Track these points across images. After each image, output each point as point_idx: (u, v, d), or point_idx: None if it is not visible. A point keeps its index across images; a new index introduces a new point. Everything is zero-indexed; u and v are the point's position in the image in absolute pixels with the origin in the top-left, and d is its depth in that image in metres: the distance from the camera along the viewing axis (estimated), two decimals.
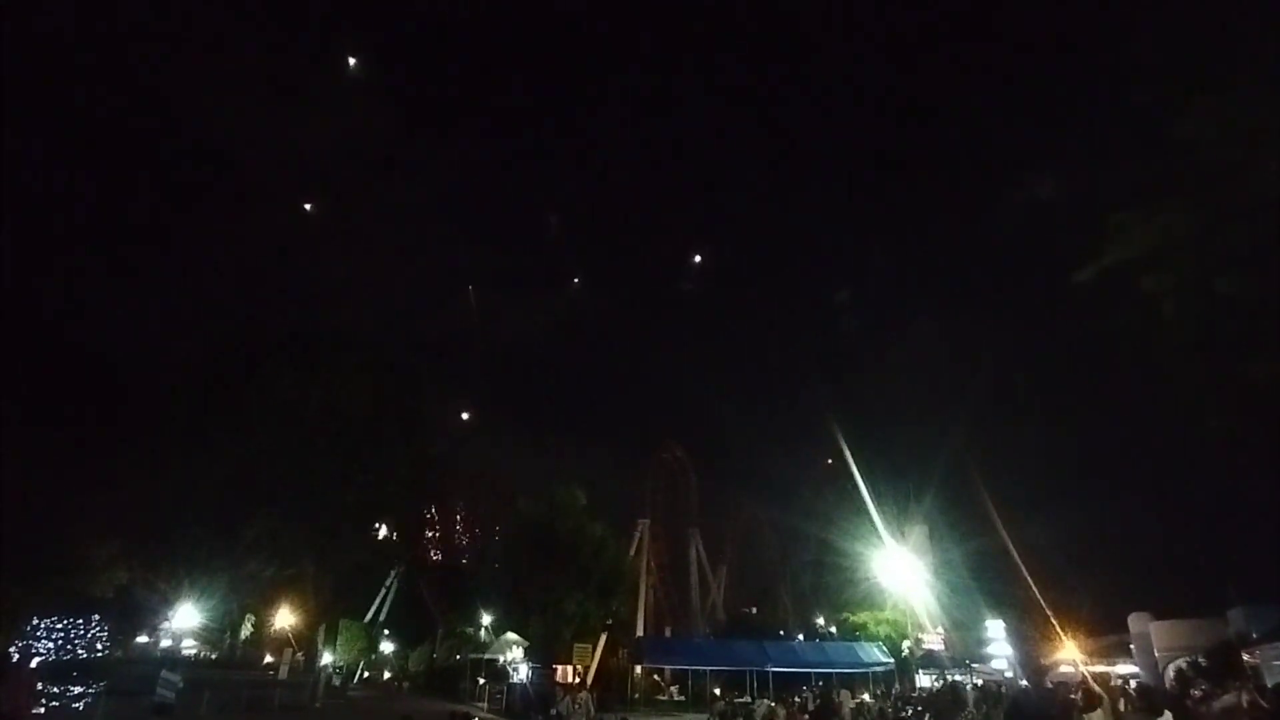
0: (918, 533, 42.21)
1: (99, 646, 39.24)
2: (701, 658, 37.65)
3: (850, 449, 37.02)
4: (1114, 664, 21.82)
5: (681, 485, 63.19)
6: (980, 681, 25.84)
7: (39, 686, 18.40)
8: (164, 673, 17.66)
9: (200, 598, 34.24)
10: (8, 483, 29.21)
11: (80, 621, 36.80)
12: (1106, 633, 24.32)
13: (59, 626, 38.85)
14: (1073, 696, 9.16)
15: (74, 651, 38.35)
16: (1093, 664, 18.94)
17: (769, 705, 23.05)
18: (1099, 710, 9.80)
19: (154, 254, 67.68)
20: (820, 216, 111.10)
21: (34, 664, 26.24)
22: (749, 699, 27.94)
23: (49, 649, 37.59)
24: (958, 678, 30.20)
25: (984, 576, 36.75)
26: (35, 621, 36.83)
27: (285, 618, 33.53)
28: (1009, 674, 26.93)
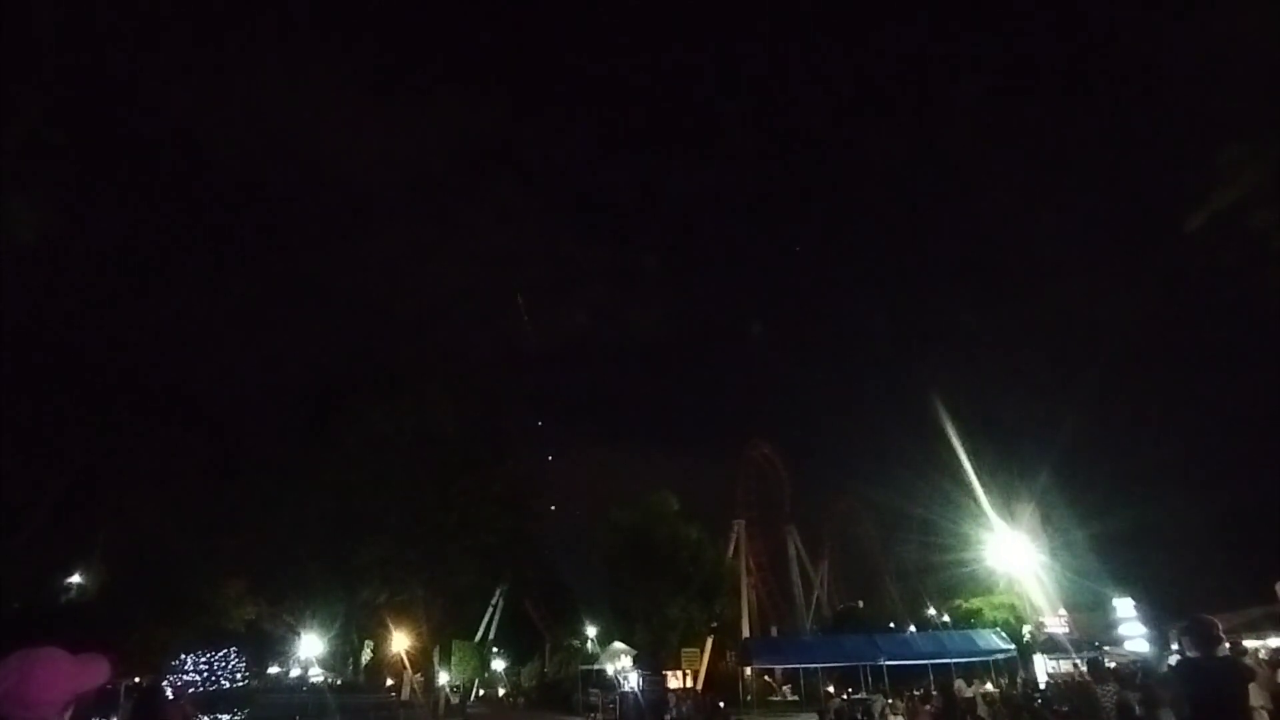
0: (1029, 513, 40.07)
1: (239, 677, 41.88)
2: (811, 655, 36.86)
3: (952, 427, 35.50)
4: (1264, 637, 20.15)
5: (773, 483, 62.30)
6: (1113, 665, 24.25)
7: (200, 717, 19.78)
8: None
9: (322, 628, 36.24)
10: (150, 535, 31.79)
11: (220, 655, 39.34)
12: (1250, 604, 22.43)
13: (203, 661, 41.60)
14: (1251, 664, 8.43)
15: (218, 682, 41.06)
16: (1239, 638, 17.45)
17: (885, 703, 22.35)
18: (1251, 687, 8.99)
19: (251, 308, 72.29)
20: (914, 192, 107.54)
21: (188, 694, 28.36)
22: (864, 695, 27.18)
23: (197, 681, 40.31)
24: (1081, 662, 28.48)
25: (1109, 555, 34.57)
26: (182, 657, 39.55)
27: (401, 642, 34.93)
28: (1150, 653, 25.14)
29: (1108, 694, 11.43)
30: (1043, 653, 32.09)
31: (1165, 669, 15.45)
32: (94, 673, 2.09)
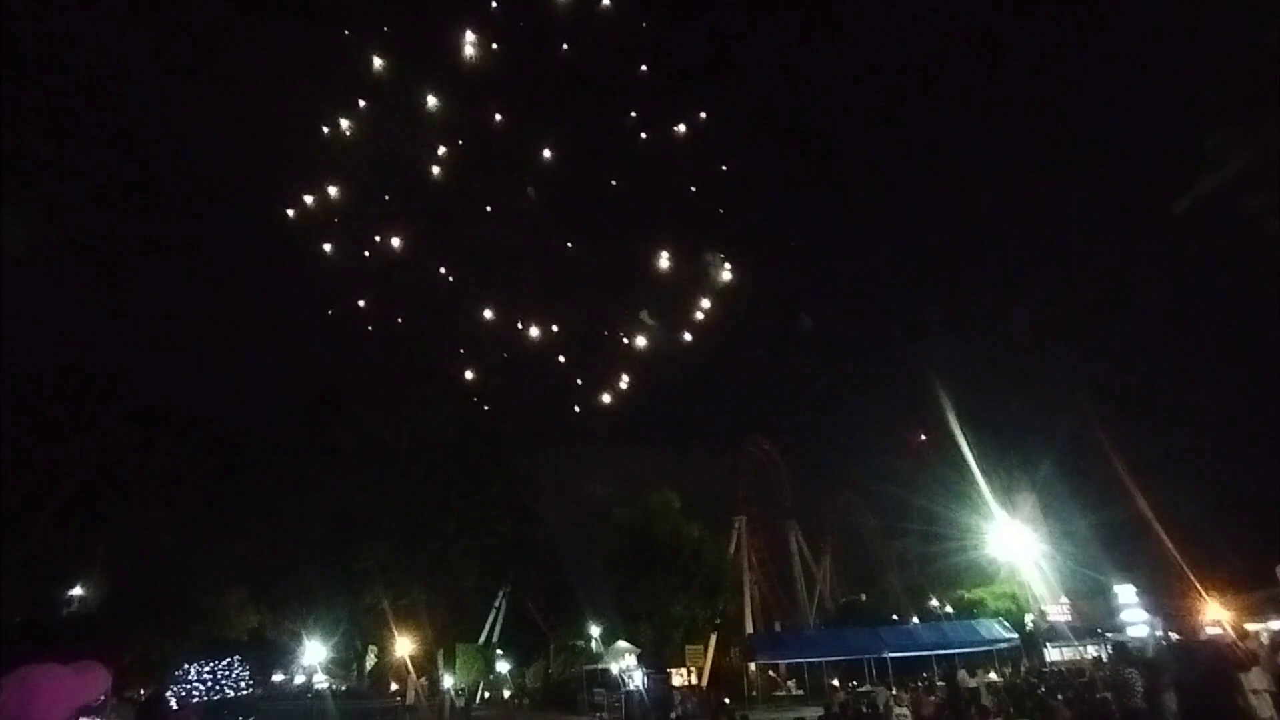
0: (1029, 502, 40.16)
1: (242, 685, 41.86)
2: (814, 649, 36.90)
3: (953, 417, 35.45)
4: (1266, 620, 20.20)
5: (773, 478, 62.17)
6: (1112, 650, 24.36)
7: None
8: None
9: (325, 634, 36.15)
10: (151, 546, 31.69)
11: (223, 664, 39.37)
12: (1254, 588, 22.46)
13: (206, 670, 41.52)
14: (1236, 647, 8.50)
15: (223, 691, 41.01)
16: (1241, 622, 17.51)
17: (889, 694, 22.38)
18: (1254, 670, 9.01)
19: (249, 315, 72.21)
20: (912, 184, 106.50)
21: (192, 704, 28.39)
22: (868, 687, 27.21)
23: (201, 690, 40.26)
24: (1091, 651, 28.56)
25: (1110, 542, 34.63)
26: (186, 667, 39.45)
27: (405, 646, 34.90)
28: (1150, 637, 25.24)
29: (1134, 677, 11.45)
30: (1046, 642, 32.22)
31: (1155, 653, 15.53)
32: (93, 684, 2.08)
